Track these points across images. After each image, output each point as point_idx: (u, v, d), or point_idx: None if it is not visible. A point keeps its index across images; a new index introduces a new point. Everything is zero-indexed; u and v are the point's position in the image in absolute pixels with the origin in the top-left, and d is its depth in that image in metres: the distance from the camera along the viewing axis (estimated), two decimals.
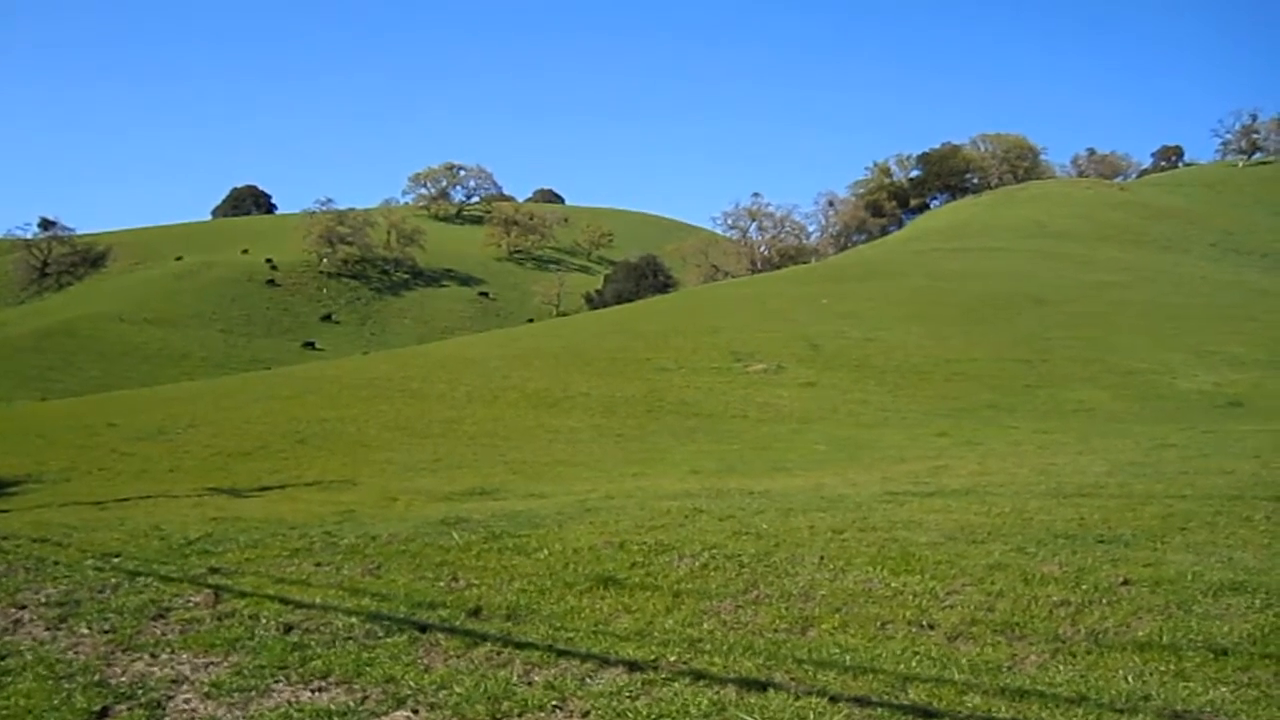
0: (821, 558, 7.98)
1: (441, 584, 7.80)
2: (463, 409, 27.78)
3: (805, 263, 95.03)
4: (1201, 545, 8.15)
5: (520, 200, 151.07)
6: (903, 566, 7.60)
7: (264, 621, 6.80)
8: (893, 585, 7.19)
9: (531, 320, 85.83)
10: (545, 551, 8.67)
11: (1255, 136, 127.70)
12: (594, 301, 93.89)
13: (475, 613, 6.99)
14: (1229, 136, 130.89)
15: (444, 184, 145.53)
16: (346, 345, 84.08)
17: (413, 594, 7.48)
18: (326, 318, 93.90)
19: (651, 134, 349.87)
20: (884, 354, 36.25)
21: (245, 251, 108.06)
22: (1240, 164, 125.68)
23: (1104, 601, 6.60)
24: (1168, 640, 5.88)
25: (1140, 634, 6.02)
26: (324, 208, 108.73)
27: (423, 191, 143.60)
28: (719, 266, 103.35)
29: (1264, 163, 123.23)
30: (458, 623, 6.78)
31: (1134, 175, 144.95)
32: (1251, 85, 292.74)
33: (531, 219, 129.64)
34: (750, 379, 32.62)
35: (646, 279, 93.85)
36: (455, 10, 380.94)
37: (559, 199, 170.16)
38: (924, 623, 6.47)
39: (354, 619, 6.82)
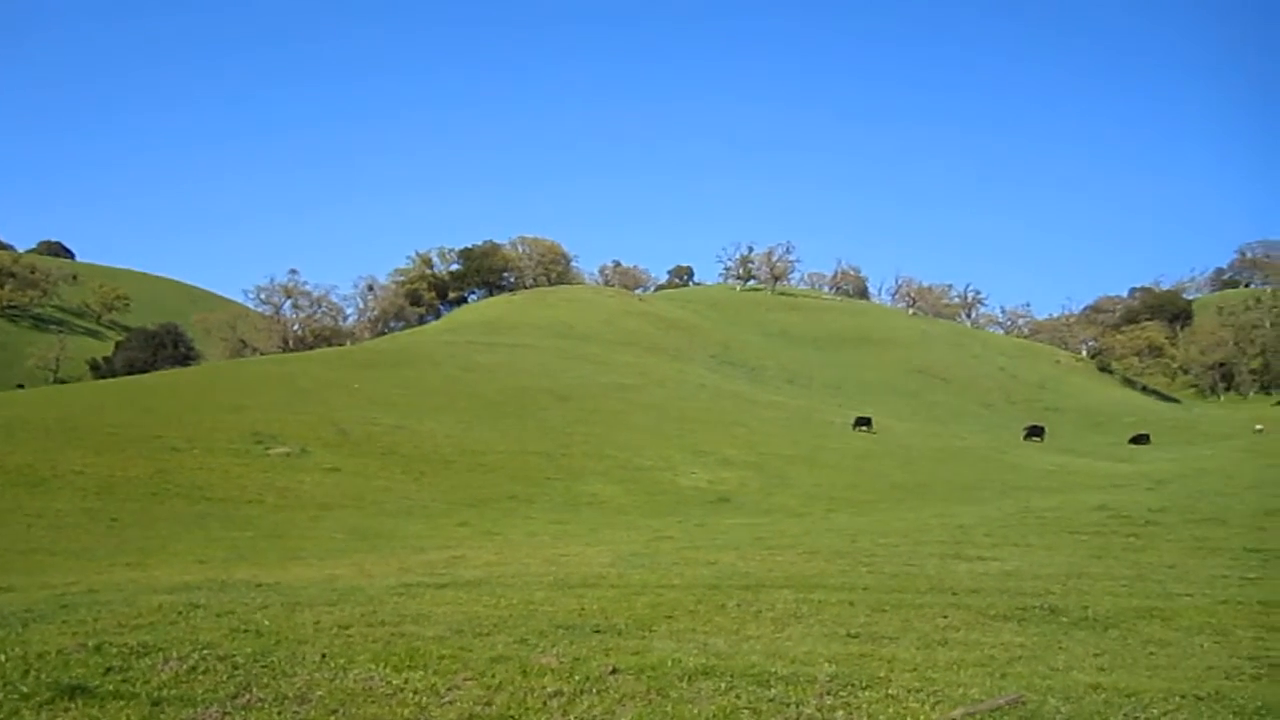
0: (324, 655, 7.67)
1: None
2: None
3: (341, 345, 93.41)
4: (683, 633, 8.90)
5: (20, 250, 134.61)
6: (406, 662, 7.50)
7: None
8: (394, 682, 7.07)
9: (22, 386, 75.97)
10: (1, 658, 7.52)
11: (750, 265, 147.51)
12: (100, 369, 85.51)
13: None
14: (730, 263, 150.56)
15: None
16: None
17: None
18: None
19: (182, 194, 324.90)
20: (413, 442, 36.26)
21: None
22: (738, 288, 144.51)
23: (594, 690, 6.95)
24: None
25: None
26: None
27: None
28: (248, 342, 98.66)
29: (755, 289, 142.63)
30: None
31: (652, 288, 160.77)
32: (752, 220, 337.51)
33: (32, 272, 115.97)
34: (272, 462, 31.07)
35: (165, 349, 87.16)
36: None
37: (68, 253, 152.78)
38: None
39: None
